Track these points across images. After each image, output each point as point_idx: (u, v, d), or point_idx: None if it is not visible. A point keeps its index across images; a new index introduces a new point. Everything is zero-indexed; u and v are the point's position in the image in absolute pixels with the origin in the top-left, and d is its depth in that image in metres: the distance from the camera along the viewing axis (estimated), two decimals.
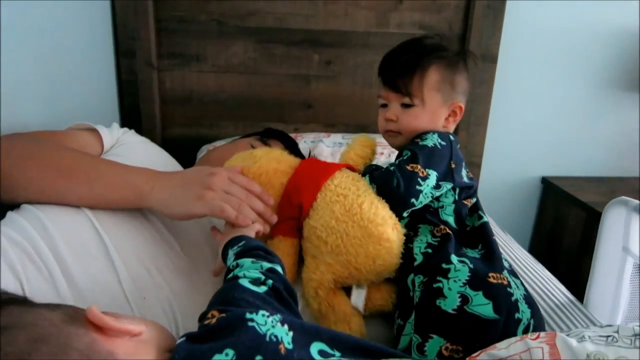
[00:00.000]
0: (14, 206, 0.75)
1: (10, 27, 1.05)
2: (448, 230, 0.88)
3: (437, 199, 0.93)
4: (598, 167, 2.03)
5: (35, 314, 0.46)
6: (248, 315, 0.51)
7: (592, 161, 2.02)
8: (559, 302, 1.09)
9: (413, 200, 0.88)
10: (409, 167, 0.89)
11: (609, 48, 1.86)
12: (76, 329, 0.46)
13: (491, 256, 0.85)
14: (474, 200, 0.97)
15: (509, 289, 0.77)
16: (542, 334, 0.55)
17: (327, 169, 0.93)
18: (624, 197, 1.11)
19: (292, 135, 1.45)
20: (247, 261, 0.66)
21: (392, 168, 0.91)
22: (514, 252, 1.34)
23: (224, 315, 0.52)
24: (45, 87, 1.25)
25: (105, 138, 0.95)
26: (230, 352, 0.47)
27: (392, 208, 0.88)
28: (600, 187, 1.91)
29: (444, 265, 0.80)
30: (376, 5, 1.68)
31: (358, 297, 0.86)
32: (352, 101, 1.77)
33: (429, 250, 0.85)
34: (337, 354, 0.53)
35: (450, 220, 0.91)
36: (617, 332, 0.53)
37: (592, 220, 1.69)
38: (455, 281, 0.77)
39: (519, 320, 0.75)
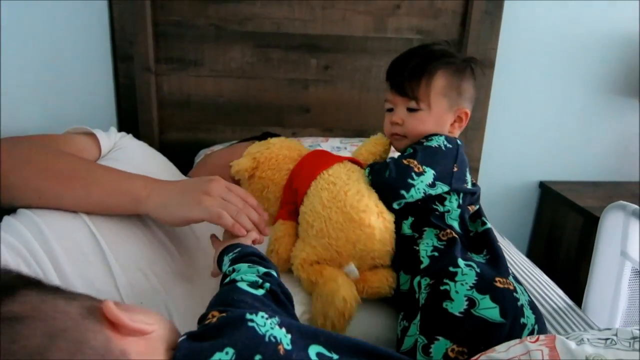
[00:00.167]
0: (11, 210, 0.74)
1: (8, 31, 1.05)
2: (454, 235, 0.89)
3: (442, 203, 0.94)
4: (595, 172, 2.03)
5: (52, 305, 0.44)
6: (248, 316, 0.51)
7: (589, 166, 2.03)
8: (557, 307, 1.08)
9: (403, 191, 0.90)
10: (404, 161, 0.92)
11: (607, 53, 1.87)
12: (92, 324, 0.45)
13: (497, 261, 0.86)
14: (477, 207, 0.98)
15: (515, 294, 0.78)
16: (542, 336, 0.55)
17: (328, 160, 0.99)
18: (622, 202, 1.11)
19: None
20: (243, 266, 0.67)
21: (388, 160, 0.94)
22: (512, 256, 1.34)
23: (224, 314, 0.52)
24: (42, 91, 1.25)
25: (102, 142, 0.95)
26: (231, 350, 0.47)
27: (383, 198, 0.92)
28: (598, 191, 1.92)
29: (451, 269, 0.81)
30: (374, 10, 1.69)
31: (349, 268, 0.90)
32: (350, 106, 1.78)
33: (436, 254, 0.86)
34: (335, 356, 0.53)
35: (455, 224, 0.92)
36: (616, 335, 0.53)
37: (590, 224, 1.69)
38: (462, 284, 0.78)
39: (524, 325, 0.76)
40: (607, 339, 0.53)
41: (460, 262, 0.81)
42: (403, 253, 0.93)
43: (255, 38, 1.67)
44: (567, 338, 0.54)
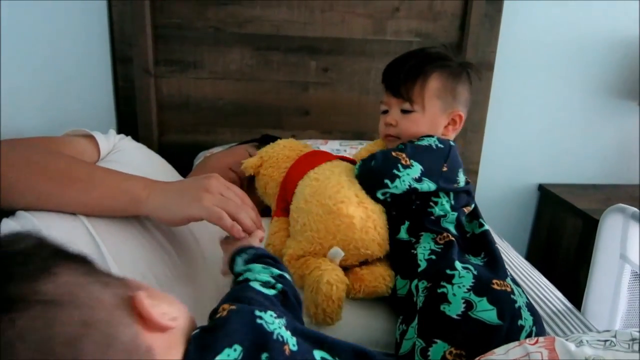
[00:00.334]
0: (10, 213, 0.74)
1: (8, 34, 1.05)
2: (451, 238, 0.89)
3: (435, 205, 0.93)
4: (595, 175, 2.03)
5: (88, 292, 0.43)
6: (257, 312, 0.52)
7: (588, 168, 2.03)
8: (556, 310, 1.08)
9: (387, 181, 0.90)
10: (393, 153, 0.93)
11: (606, 55, 1.87)
12: (123, 317, 0.44)
13: (494, 263, 0.86)
14: (472, 206, 0.98)
15: (512, 296, 0.78)
16: (541, 338, 0.55)
17: (320, 160, 1.01)
18: (621, 205, 1.11)
19: None
20: (257, 266, 0.68)
21: (377, 152, 0.95)
22: (511, 259, 1.33)
23: (234, 307, 0.53)
24: (42, 93, 1.26)
25: (101, 144, 0.95)
26: (239, 348, 0.47)
27: (368, 187, 0.93)
28: (597, 194, 1.92)
29: (448, 271, 0.80)
30: (373, 12, 1.69)
31: (333, 251, 0.90)
32: (349, 108, 1.78)
33: (433, 257, 0.86)
34: None
35: (451, 227, 0.92)
36: (615, 337, 0.53)
37: (589, 227, 1.69)
38: (459, 287, 0.78)
39: (522, 327, 0.76)
40: (606, 341, 0.53)
41: (458, 264, 0.81)
42: (400, 258, 0.93)
43: (254, 40, 1.67)
44: (566, 340, 0.54)
